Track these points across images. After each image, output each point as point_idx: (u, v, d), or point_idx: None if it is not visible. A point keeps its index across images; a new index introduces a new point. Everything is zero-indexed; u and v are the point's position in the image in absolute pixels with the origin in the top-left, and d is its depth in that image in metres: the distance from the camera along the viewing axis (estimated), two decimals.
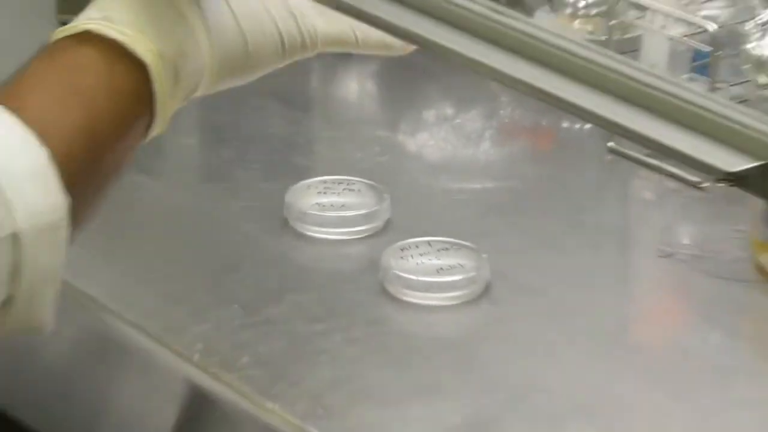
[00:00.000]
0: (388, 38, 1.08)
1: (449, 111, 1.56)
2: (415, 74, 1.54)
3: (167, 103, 1.00)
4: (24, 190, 0.94)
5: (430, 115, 1.52)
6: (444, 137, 1.48)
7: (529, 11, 1.55)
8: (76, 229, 0.93)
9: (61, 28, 1.01)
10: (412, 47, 1.09)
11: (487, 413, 1.08)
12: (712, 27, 1.36)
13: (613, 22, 1.50)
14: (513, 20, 0.79)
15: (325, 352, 1.14)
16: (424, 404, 1.09)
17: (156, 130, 0.99)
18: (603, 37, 1.46)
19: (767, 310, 1.22)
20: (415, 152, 1.50)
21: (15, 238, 0.92)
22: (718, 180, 0.66)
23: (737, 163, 0.66)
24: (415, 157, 1.46)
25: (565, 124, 1.45)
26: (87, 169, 1.00)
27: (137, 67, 0.98)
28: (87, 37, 0.99)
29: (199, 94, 1.05)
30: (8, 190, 0.92)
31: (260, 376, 1.10)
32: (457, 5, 0.81)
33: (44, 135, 0.94)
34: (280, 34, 1.07)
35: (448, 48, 0.81)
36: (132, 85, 1.01)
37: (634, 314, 1.26)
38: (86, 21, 0.99)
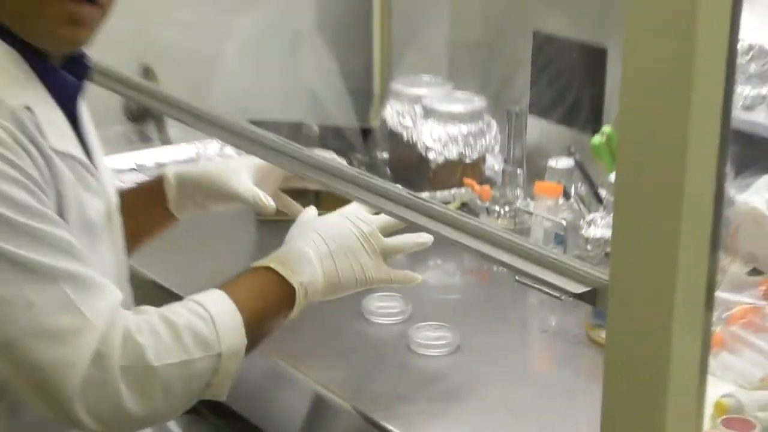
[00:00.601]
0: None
1: None
2: None
3: (300, 305, 1.47)
4: (228, 328, 1.37)
5: None
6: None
7: (476, 215, 2.07)
8: (246, 354, 1.40)
9: (257, 262, 1.48)
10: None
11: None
12: (564, 222, 1.89)
13: (516, 220, 2.03)
14: (466, 218, 1.24)
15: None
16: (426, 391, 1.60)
17: (289, 317, 1.46)
18: (512, 227, 2.02)
19: (594, 357, 1.66)
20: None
21: (218, 356, 1.36)
22: (570, 296, 1.06)
23: (578, 288, 1.05)
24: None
25: (495, 269, 1.92)
26: (257, 330, 1.43)
27: (290, 288, 1.46)
28: (269, 269, 1.47)
29: (313, 300, 1.48)
30: (220, 330, 1.36)
31: None
32: (443, 210, 1.25)
33: (241, 309, 1.40)
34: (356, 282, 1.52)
35: (436, 231, 1.25)
36: (286, 296, 1.47)
37: (526, 358, 1.78)
38: (269, 261, 1.47)
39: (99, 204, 1.44)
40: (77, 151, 1.42)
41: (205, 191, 1.73)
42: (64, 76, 1.44)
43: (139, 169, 2.29)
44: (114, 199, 1.53)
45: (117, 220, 1.53)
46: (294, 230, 1.53)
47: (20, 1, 1.37)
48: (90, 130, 1.53)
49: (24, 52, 1.39)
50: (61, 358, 1.26)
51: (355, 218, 1.52)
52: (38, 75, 1.41)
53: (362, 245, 1.51)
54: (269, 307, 1.46)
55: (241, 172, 1.71)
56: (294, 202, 1.74)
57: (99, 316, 1.28)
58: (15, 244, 1.26)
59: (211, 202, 1.74)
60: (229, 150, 2.25)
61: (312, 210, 1.59)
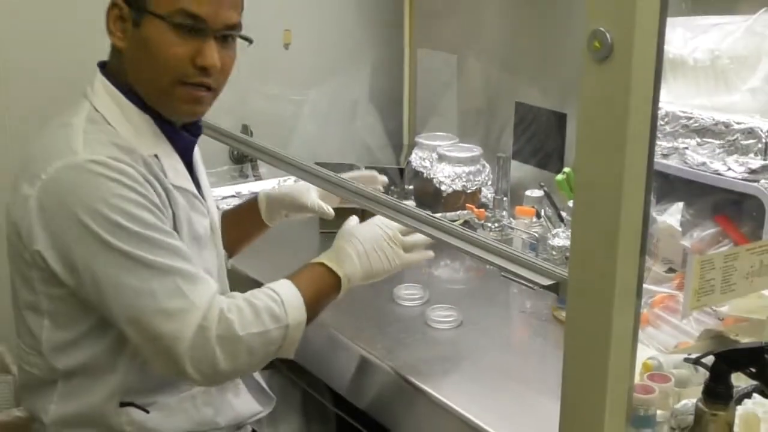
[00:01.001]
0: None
1: None
2: None
3: (344, 289, 1.47)
4: (293, 307, 1.40)
5: None
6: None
7: (475, 229, 2.03)
8: (307, 325, 1.40)
9: (314, 260, 1.47)
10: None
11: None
12: (536, 235, 1.88)
13: (503, 233, 2.01)
14: (466, 231, 1.25)
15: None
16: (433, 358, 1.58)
17: (337, 297, 1.46)
18: (499, 238, 2.00)
19: (558, 331, 1.63)
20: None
21: (286, 327, 1.37)
22: (540, 287, 1.10)
23: (545, 281, 1.10)
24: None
25: (488, 267, 1.78)
26: (313, 308, 1.42)
27: (336, 277, 1.46)
28: (321, 264, 1.47)
29: (354, 284, 1.47)
30: (288, 308, 1.40)
31: None
32: (450, 226, 1.28)
33: (302, 292, 1.41)
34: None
35: (445, 241, 1.26)
36: (333, 283, 1.46)
37: (509, 331, 1.74)
38: (321, 258, 1.48)
39: (205, 222, 1.46)
40: (189, 185, 1.44)
41: (286, 205, 1.74)
42: (183, 135, 1.45)
43: (238, 196, 2.29)
44: (216, 219, 1.54)
45: (218, 233, 1.53)
46: (339, 235, 1.52)
47: (156, 84, 1.37)
48: (201, 170, 1.55)
49: (155, 117, 1.40)
50: (175, 329, 1.27)
51: (382, 224, 1.50)
52: (164, 133, 1.42)
53: (388, 243, 1.49)
54: (321, 291, 1.45)
55: (310, 191, 1.72)
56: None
57: (201, 300, 1.29)
58: (143, 249, 1.28)
59: (291, 212, 1.75)
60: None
61: (352, 219, 1.57)
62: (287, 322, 1.36)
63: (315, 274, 1.46)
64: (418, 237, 1.52)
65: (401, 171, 2.33)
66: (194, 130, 1.49)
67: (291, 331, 1.37)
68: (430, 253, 1.56)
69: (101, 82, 1.40)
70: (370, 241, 1.49)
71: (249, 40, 1.44)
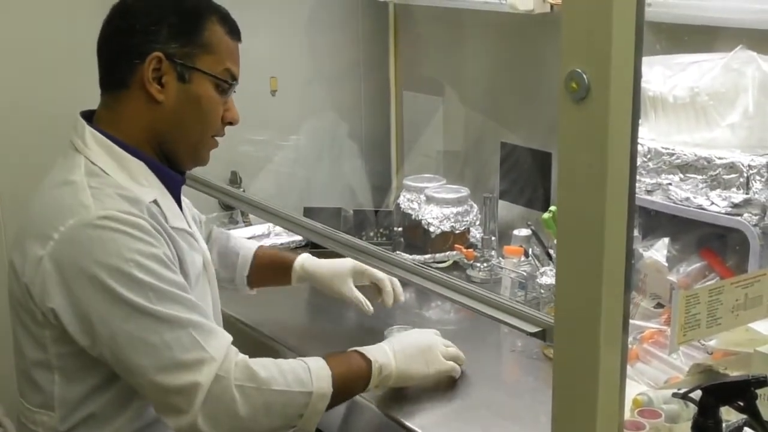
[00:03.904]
0: None
1: None
2: None
3: (375, 380, 1.46)
4: (320, 377, 1.38)
5: None
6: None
7: (464, 269, 2.04)
8: (335, 402, 1.39)
9: (354, 348, 1.47)
10: None
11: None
12: (525, 273, 1.87)
13: (492, 273, 2.01)
14: (456, 281, 1.29)
15: None
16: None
17: (368, 388, 1.46)
18: (488, 278, 2.01)
19: (548, 369, 1.61)
20: None
21: (310, 394, 1.36)
22: (527, 334, 1.13)
23: (532, 328, 1.12)
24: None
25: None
26: (341, 387, 1.40)
27: (368, 362, 1.46)
28: (358, 352, 1.48)
29: (387, 382, 1.48)
30: (314, 377, 1.36)
31: None
32: (440, 276, 1.31)
33: (331, 368, 1.40)
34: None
35: (435, 291, 1.31)
36: (364, 368, 1.45)
37: (501, 369, 1.74)
38: (358, 348, 1.48)
39: (199, 259, 1.47)
40: (184, 224, 1.45)
41: (319, 286, 1.80)
42: (174, 176, 1.47)
43: None
44: (207, 254, 1.54)
45: (211, 269, 1.54)
46: (387, 339, 1.57)
47: (198, 137, 1.44)
48: (186, 206, 1.56)
49: (148, 162, 1.42)
50: (192, 381, 1.26)
51: (425, 333, 1.56)
52: (158, 177, 1.43)
53: (429, 348, 1.53)
54: (351, 371, 1.44)
55: (347, 277, 1.76)
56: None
57: (217, 351, 1.29)
58: (159, 303, 1.28)
59: (324, 292, 1.80)
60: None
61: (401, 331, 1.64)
62: (312, 389, 1.35)
63: (347, 357, 1.46)
64: (456, 351, 1.59)
65: (387, 213, 2.33)
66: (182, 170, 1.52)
67: (315, 399, 1.35)
68: (463, 362, 1.61)
69: (91, 134, 1.40)
70: (411, 344, 1.51)
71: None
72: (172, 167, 1.45)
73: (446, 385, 1.60)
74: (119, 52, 1.40)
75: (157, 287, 1.27)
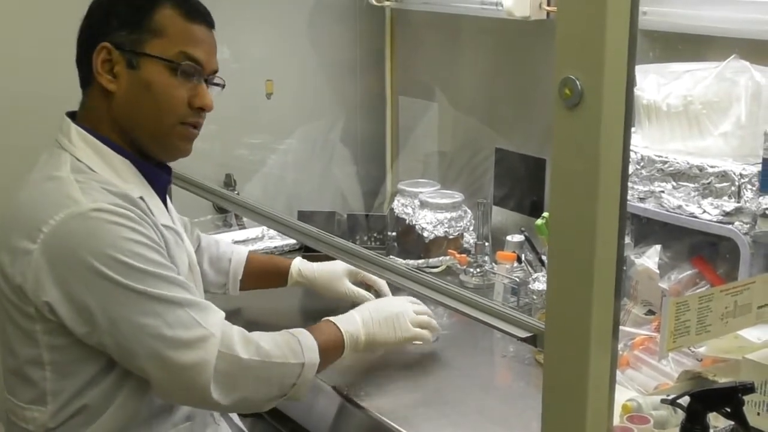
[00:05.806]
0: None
1: None
2: None
3: (348, 346, 1.53)
4: (309, 349, 1.44)
5: None
6: None
7: (457, 275, 2.04)
8: (318, 370, 1.45)
9: (326, 318, 1.54)
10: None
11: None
12: (518, 279, 1.87)
13: (485, 278, 2.00)
14: (449, 286, 1.26)
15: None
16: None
17: (343, 354, 1.53)
18: (482, 283, 2.01)
19: (539, 374, 1.57)
20: None
21: (302, 365, 1.42)
22: (518, 339, 1.12)
23: (523, 334, 1.10)
24: None
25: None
26: (324, 354, 1.45)
27: (341, 333, 1.53)
28: (332, 323, 1.54)
29: (358, 349, 1.54)
30: (304, 348, 1.44)
31: None
32: (434, 281, 1.28)
33: (316, 338, 1.45)
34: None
35: (427, 296, 1.28)
36: (340, 339, 1.52)
37: (493, 374, 1.74)
38: (332, 318, 1.55)
39: (185, 257, 1.48)
40: (170, 222, 1.46)
41: (317, 289, 1.85)
42: (160, 174, 1.48)
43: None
44: (193, 254, 1.56)
45: (196, 269, 1.56)
46: (358, 306, 1.61)
47: (157, 124, 1.41)
48: (173, 207, 1.57)
49: (132, 160, 1.43)
50: (197, 359, 1.30)
51: (399, 299, 1.61)
52: (144, 175, 1.44)
53: (398, 316, 1.58)
54: (329, 341, 1.50)
55: (344, 277, 1.82)
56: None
57: (214, 327, 1.33)
58: (156, 286, 1.30)
59: (322, 294, 1.85)
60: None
61: (373, 300, 1.69)
62: (303, 360, 1.40)
63: (322, 326, 1.52)
64: (428, 317, 1.64)
65: (381, 218, 2.33)
66: (167, 169, 1.52)
67: (306, 369, 1.41)
68: (436, 330, 1.66)
69: (77, 132, 1.41)
70: (381, 311, 1.57)
71: (223, 86, 1.48)
72: (150, 161, 1.46)
73: (437, 390, 1.60)
74: (81, 50, 1.42)
75: (152, 272, 1.30)
